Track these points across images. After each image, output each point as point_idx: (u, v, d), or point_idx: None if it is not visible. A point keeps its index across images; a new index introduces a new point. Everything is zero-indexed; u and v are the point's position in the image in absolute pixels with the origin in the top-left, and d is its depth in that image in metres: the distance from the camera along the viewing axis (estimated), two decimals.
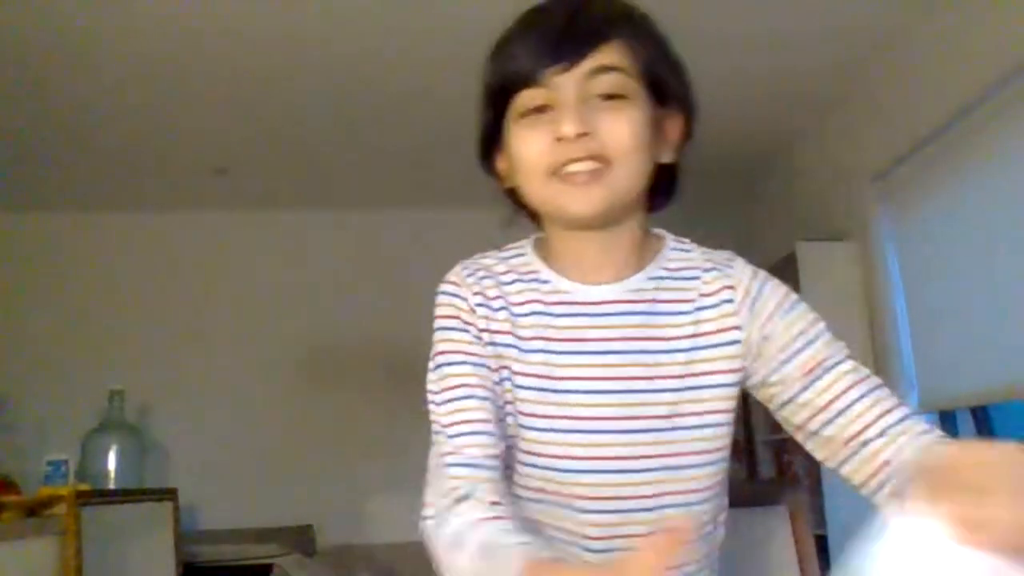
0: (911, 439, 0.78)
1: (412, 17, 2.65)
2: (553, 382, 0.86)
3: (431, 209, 4.24)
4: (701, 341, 0.87)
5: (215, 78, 2.99)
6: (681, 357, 0.86)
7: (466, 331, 0.88)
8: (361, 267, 4.28)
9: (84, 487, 2.81)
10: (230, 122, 3.35)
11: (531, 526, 0.81)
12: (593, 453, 0.85)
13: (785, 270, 3.33)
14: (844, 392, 0.82)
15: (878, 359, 3.01)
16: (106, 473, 3.42)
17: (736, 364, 0.87)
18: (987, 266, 2.52)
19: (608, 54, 0.81)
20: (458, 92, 3.18)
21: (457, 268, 0.93)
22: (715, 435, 0.87)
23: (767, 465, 3.68)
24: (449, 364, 0.87)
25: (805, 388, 0.84)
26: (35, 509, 2.56)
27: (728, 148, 3.78)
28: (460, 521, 0.76)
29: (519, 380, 0.87)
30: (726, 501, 0.93)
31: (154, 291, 4.16)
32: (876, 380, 0.84)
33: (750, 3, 2.65)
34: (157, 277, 4.18)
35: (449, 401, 0.85)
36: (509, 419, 0.87)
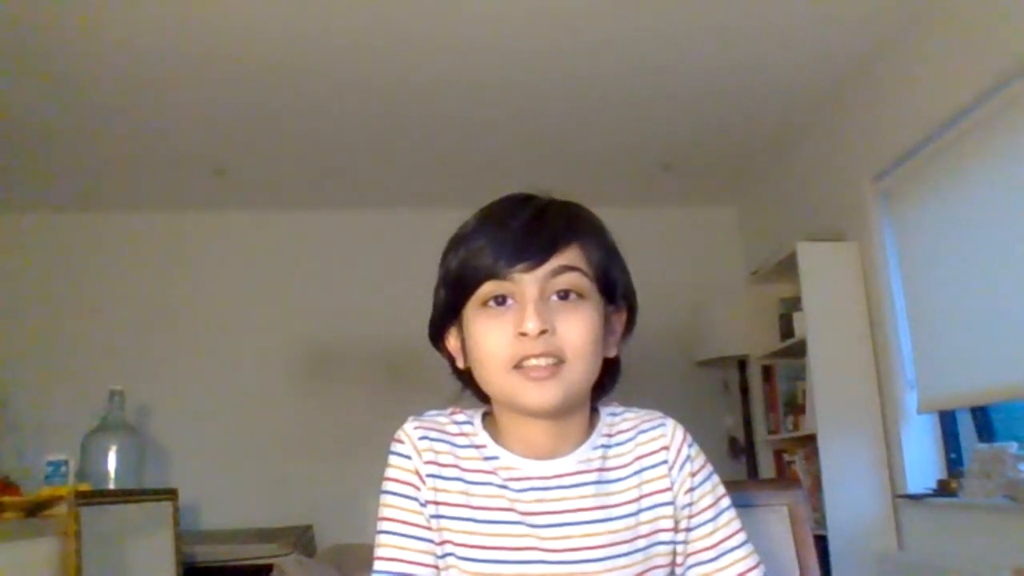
0: None
1: (414, 17, 2.65)
2: (511, 552, 0.87)
3: (431, 209, 4.23)
4: (645, 502, 0.91)
5: (214, 77, 2.99)
6: (631, 521, 0.89)
7: (414, 499, 0.90)
8: (361, 267, 4.28)
9: (84, 487, 2.80)
10: (229, 122, 3.35)
11: None
12: None
13: (785, 270, 3.33)
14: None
15: (878, 359, 3.01)
16: (106, 473, 3.41)
17: (670, 523, 0.91)
18: (987, 266, 2.52)
19: (568, 255, 0.88)
20: (459, 92, 3.18)
21: (409, 427, 0.94)
22: None
23: (767, 465, 3.68)
24: (390, 533, 0.89)
25: (710, 560, 0.91)
26: (35, 509, 2.56)
27: (728, 148, 3.78)
28: None
29: (468, 553, 0.87)
30: None
31: (154, 291, 4.16)
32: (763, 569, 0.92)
33: (750, 0, 2.66)
34: (157, 277, 4.19)
35: (381, 572, 0.88)
36: None
